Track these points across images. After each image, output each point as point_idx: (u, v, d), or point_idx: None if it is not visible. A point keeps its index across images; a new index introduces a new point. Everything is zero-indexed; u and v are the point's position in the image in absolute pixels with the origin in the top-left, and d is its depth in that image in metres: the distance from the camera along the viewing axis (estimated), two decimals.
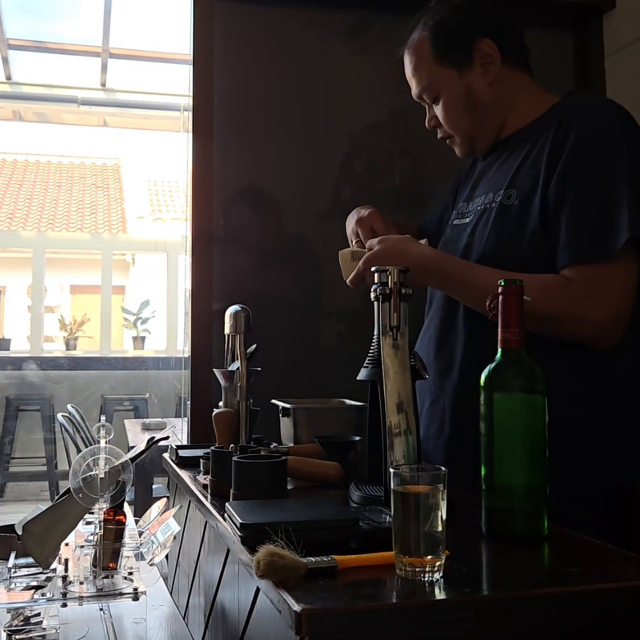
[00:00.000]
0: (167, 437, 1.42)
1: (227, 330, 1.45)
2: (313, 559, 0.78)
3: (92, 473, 1.16)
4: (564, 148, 1.24)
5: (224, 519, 1.01)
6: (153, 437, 1.33)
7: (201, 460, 1.35)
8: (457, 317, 1.35)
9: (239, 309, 1.45)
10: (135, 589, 1.10)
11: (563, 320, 1.20)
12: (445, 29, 1.37)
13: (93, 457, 1.17)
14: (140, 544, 1.21)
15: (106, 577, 1.14)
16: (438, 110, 1.41)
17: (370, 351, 1.10)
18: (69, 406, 4.71)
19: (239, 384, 1.39)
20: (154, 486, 3.48)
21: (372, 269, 1.11)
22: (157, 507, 1.32)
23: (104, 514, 1.18)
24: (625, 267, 1.19)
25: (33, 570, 1.17)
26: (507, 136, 1.41)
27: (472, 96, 1.37)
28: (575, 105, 1.33)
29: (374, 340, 1.09)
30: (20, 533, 1.13)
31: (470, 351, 1.32)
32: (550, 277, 1.22)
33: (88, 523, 1.26)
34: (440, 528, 0.78)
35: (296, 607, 0.69)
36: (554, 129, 1.27)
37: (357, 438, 1.36)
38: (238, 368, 1.40)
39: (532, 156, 1.30)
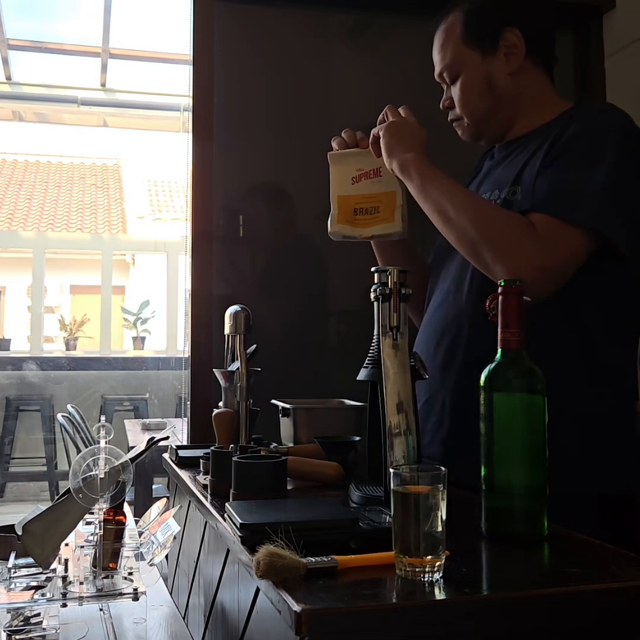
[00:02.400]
0: (167, 437, 1.42)
1: (227, 330, 1.45)
2: (313, 559, 0.78)
3: (92, 473, 1.16)
4: (561, 140, 1.27)
5: (224, 519, 1.01)
6: (153, 437, 1.33)
7: (201, 460, 1.35)
8: (461, 312, 1.35)
9: (239, 309, 1.45)
10: (135, 589, 1.10)
11: (504, 251, 1.19)
12: (478, 12, 1.40)
13: (93, 457, 1.17)
14: (140, 544, 1.21)
15: (106, 577, 1.14)
16: (455, 90, 1.42)
17: (370, 351, 1.10)
18: (69, 406, 4.71)
19: (239, 384, 1.39)
20: (154, 486, 3.48)
21: (372, 269, 1.11)
22: (157, 507, 1.32)
23: (104, 514, 1.18)
24: (579, 243, 1.19)
25: (33, 570, 1.17)
26: (516, 137, 1.42)
27: (490, 82, 1.39)
28: (583, 108, 1.35)
29: (374, 341, 1.09)
30: (20, 533, 1.13)
31: (473, 347, 1.32)
32: (518, 214, 1.23)
33: (88, 523, 1.26)
34: (440, 528, 0.78)
35: (296, 607, 0.69)
36: (559, 129, 1.29)
37: (357, 438, 1.36)
38: (238, 368, 1.40)
39: (537, 154, 1.31)
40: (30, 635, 1.09)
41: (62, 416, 4.29)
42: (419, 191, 1.30)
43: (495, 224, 1.21)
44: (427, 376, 1.10)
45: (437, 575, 0.77)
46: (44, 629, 1.10)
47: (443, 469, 0.80)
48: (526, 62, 1.38)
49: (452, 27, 1.42)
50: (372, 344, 1.10)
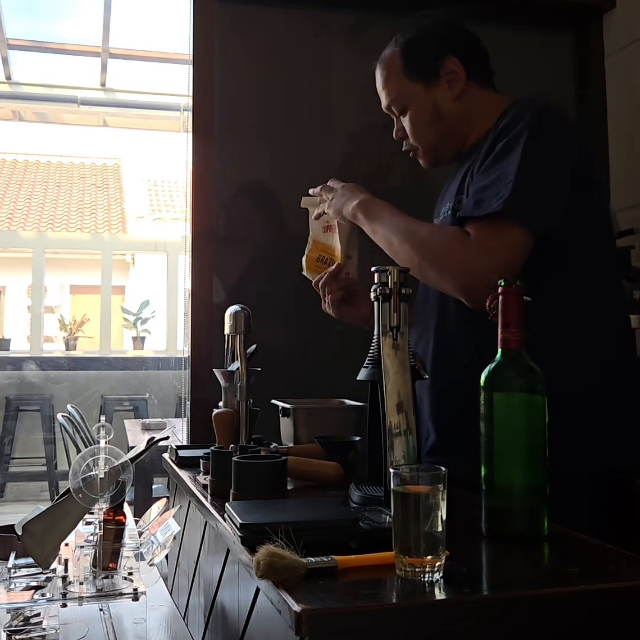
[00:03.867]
0: (167, 437, 1.42)
1: (227, 330, 1.45)
2: (313, 559, 0.78)
3: (92, 473, 1.16)
4: (486, 154, 1.32)
5: (224, 519, 1.01)
6: (153, 437, 1.33)
7: (201, 460, 1.35)
8: (430, 319, 1.41)
9: (239, 309, 1.45)
10: (135, 589, 1.10)
11: (443, 267, 1.26)
12: (415, 45, 1.46)
13: (93, 457, 1.17)
14: (140, 544, 1.21)
15: (106, 577, 1.14)
16: (405, 122, 1.48)
17: (370, 351, 1.10)
18: (69, 406, 4.71)
19: (239, 384, 1.39)
20: (154, 486, 3.48)
21: (372, 269, 1.11)
22: (157, 507, 1.32)
23: (104, 514, 1.18)
24: (509, 233, 1.22)
25: (33, 570, 1.17)
26: (467, 149, 1.46)
27: (437, 110, 1.44)
28: (511, 109, 1.37)
29: (374, 340, 1.09)
30: (20, 533, 1.13)
31: (440, 350, 1.37)
32: (452, 228, 1.30)
33: (88, 523, 1.26)
34: (440, 528, 0.78)
35: (296, 607, 0.69)
36: (489, 138, 1.34)
37: (357, 438, 1.36)
38: (238, 368, 1.40)
39: (474, 162, 1.36)
40: (30, 635, 1.09)
41: (62, 416, 4.29)
42: (370, 232, 1.39)
43: (431, 245, 1.28)
44: (427, 376, 1.10)
45: (437, 575, 0.77)
46: (44, 629, 1.10)
47: (443, 468, 0.80)
48: (468, 84, 1.44)
49: (391, 63, 1.47)
50: (372, 344, 1.10)
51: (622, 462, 1.30)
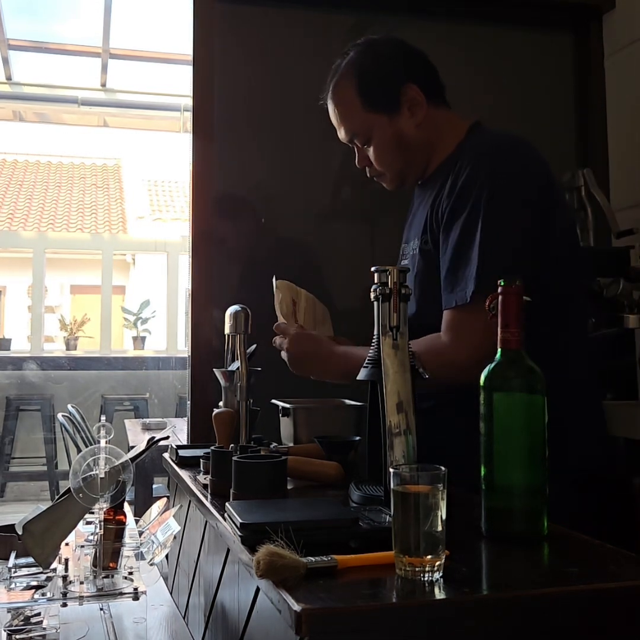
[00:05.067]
0: (167, 437, 1.43)
1: (227, 330, 1.45)
2: (313, 559, 0.78)
3: (92, 473, 1.16)
4: (446, 206, 1.33)
5: (224, 519, 1.01)
6: (153, 437, 1.33)
7: (201, 460, 1.36)
8: None
9: (239, 309, 1.45)
10: (136, 589, 1.10)
11: (442, 374, 1.24)
12: (371, 77, 1.45)
13: (93, 457, 1.17)
14: (141, 544, 1.21)
15: (106, 576, 1.14)
16: (369, 151, 1.48)
17: (370, 351, 1.10)
18: (69, 406, 4.71)
19: (239, 384, 1.39)
20: (154, 486, 3.48)
21: (372, 269, 1.11)
22: (157, 506, 1.32)
23: (104, 513, 1.18)
24: (483, 318, 1.14)
25: (33, 570, 1.17)
26: (428, 175, 1.48)
27: (402, 138, 1.45)
28: (468, 154, 1.37)
29: (374, 340, 1.09)
30: (20, 533, 1.13)
31: None
32: (427, 338, 1.32)
33: (88, 523, 1.26)
34: (440, 528, 0.78)
35: (296, 607, 0.69)
36: (450, 178, 1.35)
37: (357, 438, 1.36)
38: (238, 368, 1.40)
39: (436, 204, 1.38)
40: (30, 634, 1.09)
41: (63, 416, 4.29)
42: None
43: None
44: (427, 376, 1.10)
45: (437, 575, 0.77)
46: (44, 628, 1.10)
47: (443, 468, 0.80)
48: (428, 108, 1.44)
49: (347, 97, 1.46)
50: (372, 344, 1.10)
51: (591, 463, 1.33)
